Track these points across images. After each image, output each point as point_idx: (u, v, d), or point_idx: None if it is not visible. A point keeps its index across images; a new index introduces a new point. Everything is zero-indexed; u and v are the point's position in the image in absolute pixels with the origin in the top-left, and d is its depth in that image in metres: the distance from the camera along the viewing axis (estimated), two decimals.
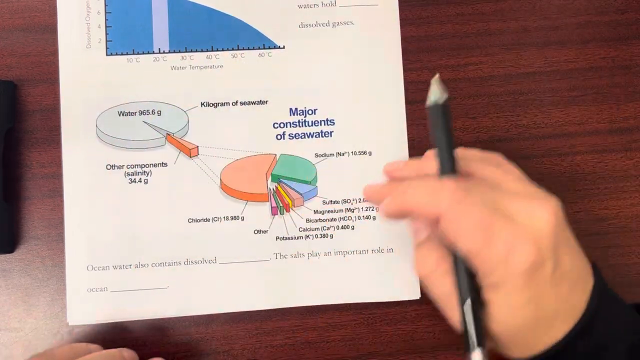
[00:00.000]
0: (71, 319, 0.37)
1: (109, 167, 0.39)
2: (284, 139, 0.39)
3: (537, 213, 0.29)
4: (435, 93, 0.30)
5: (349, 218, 0.39)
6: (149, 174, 0.39)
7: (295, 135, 0.39)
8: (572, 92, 0.41)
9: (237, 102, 0.39)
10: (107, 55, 0.39)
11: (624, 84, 0.41)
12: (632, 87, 0.41)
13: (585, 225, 0.39)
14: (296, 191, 0.39)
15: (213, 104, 0.39)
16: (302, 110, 0.40)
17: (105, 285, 0.38)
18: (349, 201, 0.39)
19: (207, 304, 0.38)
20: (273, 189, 0.39)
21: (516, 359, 0.31)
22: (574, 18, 0.41)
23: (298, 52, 0.40)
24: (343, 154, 0.39)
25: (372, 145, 0.39)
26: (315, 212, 0.39)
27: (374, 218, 0.39)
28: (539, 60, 0.41)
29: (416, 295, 0.38)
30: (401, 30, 0.40)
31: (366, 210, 0.39)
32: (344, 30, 0.40)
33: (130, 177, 0.38)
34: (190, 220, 0.38)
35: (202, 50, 0.40)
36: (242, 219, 0.39)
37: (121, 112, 0.39)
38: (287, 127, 0.39)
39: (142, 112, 0.39)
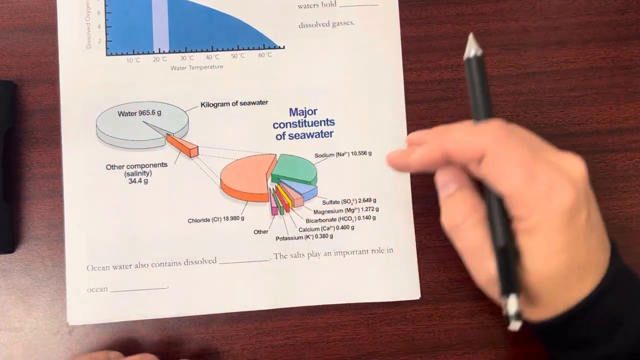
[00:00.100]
0: (71, 319, 0.37)
1: (109, 167, 0.39)
2: (284, 139, 0.39)
3: (571, 162, 0.30)
4: (473, 47, 0.32)
5: (349, 218, 0.39)
6: (149, 174, 0.39)
7: (295, 135, 0.39)
8: (572, 92, 0.41)
9: (237, 102, 0.39)
10: (107, 55, 0.39)
11: (624, 84, 0.41)
12: (632, 87, 0.41)
13: None
14: (296, 191, 0.39)
15: (213, 104, 0.39)
16: (302, 110, 0.40)
17: (105, 285, 0.38)
18: (349, 201, 0.39)
19: (207, 304, 0.38)
20: (273, 189, 0.39)
21: (542, 323, 0.31)
22: (574, 18, 0.41)
23: (298, 52, 0.40)
24: (343, 154, 0.39)
25: (372, 145, 0.39)
26: (315, 212, 0.39)
27: (374, 218, 0.39)
28: (539, 60, 0.41)
29: (416, 295, 0.38)
30: (401, 30, 0.40)
31: (366, 210, 0.39)
32: (344, 30, 0.40)
33: (130, 177, 0.38)
34: (190, 221, 0.38)
35: (202, 50, 0.40)
36: (242, 219, 0.39)
37: (121, 112, 0.39)
38: (287, 127, 0.39)
39: (142, 112, 0.39)
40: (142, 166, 0.39)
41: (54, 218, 0.38)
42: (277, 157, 0.39)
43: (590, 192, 0.31)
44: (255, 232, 0.39)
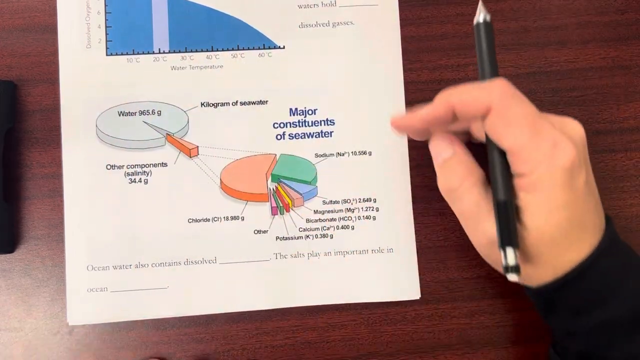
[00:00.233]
0: (71, 319, 0.37)
1: (109, 167, 0.39)
2: (284, 139, 0.39)
3: (571, 125, 0.31)
4: (482, 12, 0.33)
5: (349, 218, 0.39)
6: (149, 174, 0.39)
7: (295, 135, 0.39)
8: (572, 92, 0.41)
9: (237, 102, 0.39)
10: (107, 55, 0.39)
11: (624, 84, 0.41)
12: (632, 87, 0.41)
13: None
14: (296, 191, 0.39)
15: (213, 104, 0.39)
16: (302, 110, 0.40)
17: (105, 285, 0.38)
18: (349, 201, 0.39)
19: (207, 304, 0.38)
20: (273, 189, 0.39)
21: (542, 287, 0.32)
22: (574, 18, 0.41)
23: (298, 52, 0.40)
24: (343, 154, 0.39)
25: (372, 145, 0.39)
26: (315, 212, 0.39)
27: (374, 218, 0.39)
28: (539, 60, 0.41)
29: (416, 295, 0.38)
30: (401, 30, 0.40)
31: (366, 210, 0.39)
32: (344, 30, 0.40)
33: (130, 177, 0.38)
34: (190, 220, 0.38)
35: (202, 50, 0.40)
36: (242, 219, 0.39)
37: (121, 112, 0.39)
38: (287, 127, 0.39)
39: (142, 112, 0.39)
40: (142, 166, 0.39)
41: (54, 218, 0.38)
42: (277, 157, 0.39)
43: (587, 157, 0.32)
44: (255, 232, 0.39)
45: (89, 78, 0.39)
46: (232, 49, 0.40)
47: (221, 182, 0.39)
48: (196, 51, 0.39)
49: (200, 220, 0.38)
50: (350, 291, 0.38)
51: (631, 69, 0.41)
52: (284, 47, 0.40)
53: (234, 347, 0.38)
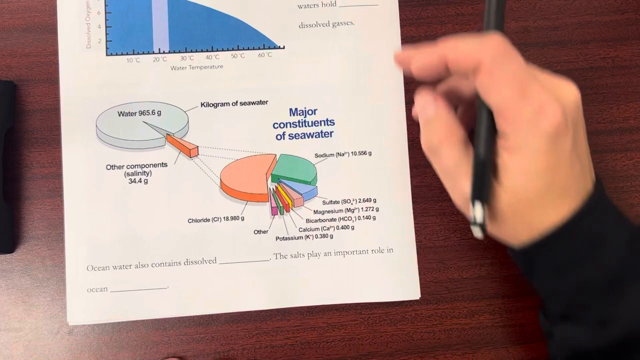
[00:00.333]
0: (71, 319, 0.37)
1: (109, 167, 0.39)
2: (284, 139, 0.39)
3: (565, 88, 0.31)
4: None
5: (349, 218, 0.39)
6: (149, 174, 0.39)
7: (295, 135, 0.39)
8: None
9: (237, 102, 0.39)
10: (107, 55, 0.39)
11: (624, 84, 0.41)
12: (632, 87, 0.41)
13: None
14: (296, 191, 0.39)
15: (213, 104, 0.39)
16: (302, 110, 0.40)
17: (105, 285, 0.38)
18: (349, 201, 0.39)
19: (207, 304, 0.38)
20: (273, 189, 0.39)
21: (521, 248, 0.32)
22: (574, 18, 0.41)
23: (298, 52, 0.40)
24: (343, 154, 0.39)
25: (372, 145, 0.39)
26: (315, 212, 0.39)
27: (374, 218, 0.39)
28: (539, 60, 0.41)
29: (416, 295, 0.38)
30: (401, 30, 0.40)
31: (366, 210, 0.39)
32: (344, 30, 0.40)
33: (130, 177, 0.38)
34: (190, 220, 0.38)
35: (202, 50, 0.40)
36: (242, 219, 0.39)
37: (121, 112, 0.39)
38: (287, 127, 0.39)
39: (142, 112, 0.39)
40: (142, 166, 0.39)
41: (54, 218, 0.38)
42: (277, 157, 0.39)
43: (581, 121, 0.31)
44: (255, 232, 0.39)
45: (89, 78, 0.39)
46: (232, 49, 0.40)
47: (221, 182, 0.39)
48: (196, 51, 0.39)
49: (200, 220, 0.38)
50: (350, 291, 0.38)
51: (631, 69, 0.41)
52: (284, 47, 0.40)
53: (234, 347, 0.38)
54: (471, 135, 0.32)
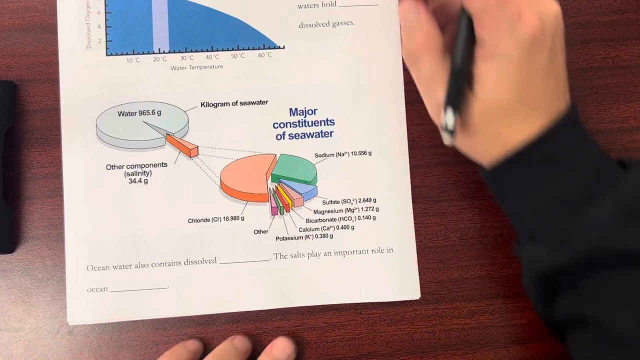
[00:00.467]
0: (71, 319, 0.37)
1: (109, 167, 0.39)
2: (284, 139, 0.39)
3: (547, 2, 0.31)
4: None
5: (349, 218, 0.39)
6: (149, 174, 0.39)
7: (295, 135, 0.39)
8: (572, 92, 0.40)
9: (237, 102, 0.39)
10: (107, 55, 0.39)
11: (624, 84, 0.41)
12: (632, 87, 0.41)
13: None
14: (296, 191, 0.39)
15: (213, 104, 0.39)
16: (302, 110, 0.40)
17: (105, 285, 0.38)
18: (349, 201, 0.39)
19: (207, 304, 0.38)
20: (273, 189, 0.39)
21: (490, 167, 0.32)
22: (574, 18, 0.41)
23: (298, 52, 0.40)
24: (343, 154, 0.39)
25: (372, 145, 0.39)
26: (315, 212, 0.39)
27: (374, 218, 0.39)
28: None
29: (416, 295, 0.38)
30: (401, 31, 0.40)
31: (366, 210, 0.39)
32: (344, 30, 0.40)
33: (130, 177, 0.38)
34: (190, 220, 0.38)
35: (202, 50, 0.40)
36: (242, 219, 0.39)
37: (121, 112, 0.39)
38: (287, 127, 0.39)
39: (142, 112, 0.39)
40: (142, 166, 0.39)
41: (54, 218, 0.38)
42: (277, 157, 0.39)
43: (560, 40, 0.32)
44: (255, 232, 0.39)
45: (89, 78, 0.39)
46: (232, 49, 0.40)
47: (221, 182, 0.39)
48: (196, 51, 0.39)
49: (200, 220, 0.38)
50: (350, 291, 0.38)
51: (631, 69, 0.41)
52: (284, 47, 0.40)
53: None
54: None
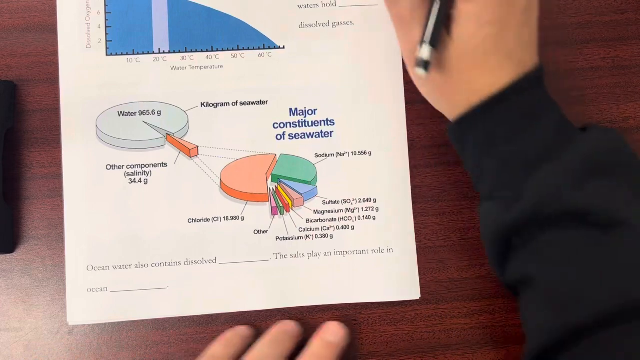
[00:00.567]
0: (71, 319, 0.37)
1: (109, 167, 0.39)
2: (284, 139, 0.39)
3: None
4: None
5: (349, 218, 0.39)
6: (149, 174, 0.39)
7: (295, 135, 0.39)
8: (572, 92, 0.41)
9: (237, 102, 0.39)
10: (107, 55, 0.39)
11: (624, 84, 0.41)
12: (632, 87, 0.41)
13: None
14: (296, 191, 0.39)
15: (213, 104, 0.39)
16: (302, 110, 0.40)
17: (105, 285, 0.38)
18: (349, 201, 0.39)
19: (207, 304, 0.38)
20: (273, 189, 0.39)
21: (455, 121, 0.33)
22: (574, 18, 0.41)
23: (298, 52, 0.40)
24: (343, 154, 0.39)
25: (372, 145, 0.39)
26: (315, 212, 0.39)
27: (374, 218, 0.39)
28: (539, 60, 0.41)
29: (416, 295, 0.38)
30: None
31: (366, 210, 0.39)
32: (344, 30, 0.40)
33: (130, 177, 0.38)
34: (190, 220, 0.38)
35: (202, 50, 0.40)
36: (242, 219, 0.39)
37: (121, 112, 0.39)
38: (287, 127, 0.39)
39: (142, 112, 0.39)
40: (142, 166, 0.39)
41: (54, 218, 0.38)
42: (277, 157, 0.39)
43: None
44: (255, 232, 0.39)
45: (89, 78, 0.39)
46: (232, 49, 0.40)
47: (221, 182, 0.39)
48: (196, 51, 0.39)
49: (200, 220, 0.38)
50: (350, 291, 0.38)
51: (631, 69, 0.41)
52: (284, 47, 0.40)
53: None
54: None
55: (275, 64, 0.40)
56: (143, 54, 0.39)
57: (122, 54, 0.39)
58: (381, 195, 0.39)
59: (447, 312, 0.39)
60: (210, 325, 0.38)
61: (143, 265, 0.38)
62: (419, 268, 0.39)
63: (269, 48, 0.40)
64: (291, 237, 0.39)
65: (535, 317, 0.33)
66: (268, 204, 0.39)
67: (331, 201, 0.39)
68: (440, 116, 0.37)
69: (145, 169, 0.39)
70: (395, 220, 0.39)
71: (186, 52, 0.39)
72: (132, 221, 0.38)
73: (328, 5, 0.40)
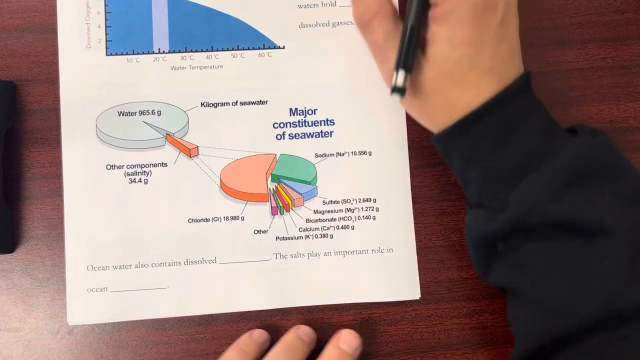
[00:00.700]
0: (71, 319, 0.37)
1: (109, 167, 0.39)
2: (284, 139, 0.39)
3: None
4: None
5: (349, 218, 0.39)
6: (149, 174, 0.39)
7: (295, 135, 0.39)
8: (572, 92, 0.41)
9: (237, 102, 0.39)
10: (107, 55, 0.39)
11: (624, 84, 0.41)
12: (632, 87, 0.41)
13: None
14: (296, 191, 0.39)
15: (213, 104, 0.39)
16: (302, 110, 0.40)
17: (105, 285, 0.38)
18: (349, 201, 0.39)
19: (207, 304, 0.38)
20: (273, 189, 0.39)
21: (439, 134, 0.33)
22: (574, 18, 0.41)
23: (298, 52, 0.40)
24: (343, 154, 0.39)
25: (372, 145, 0.39)
26: (315, 212, 0.39)
27: (374, 218, 0.39)
28: (539, 60, 0.41)
29: (416, 295, 0.38)
30: None
31: (366, 210, 0.39)
32: (344, 30, 0.40)
33: (130, 177, 0.38)
34: (190, 220, 0.38)
35: (202, 50, 0.40)
36: (242, 219, 0.39)
37: (121, 112, 0.39)
38: (287, 127, 0.39)
39: (142, 112, 0.39)
40: (142, 166, 0.39)
41: (54, 218, 0.38)
42: (277, 157, 0.39)
43: (513, 3, 0.32)
44: (255, 232, 0.39)
45: (89, 78, 0.39)
46: (232, 49, 0.40)
47: (221, 182, 0.39)
48: (196, 51, 0.39)
49: (200, 220, 0.38)
50: (350, 291, 0.38)
51: (631, 69, 0.41)
52: (284, 47, 0.40)
53: None
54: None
55: (275, 64, 0.40)
56: (143, 54, 0.39)
57: (122, 54, 0.39)
58: (381, 195, 0.39)
59: (447, 312, 0.39)
60: (210, 325, 0.38)
61: (143, 265, 0.38)
62: (419, 268, 0.39)
63: (269, 48, 0.40)
64: (291, 237, 0.39)
65: (522, 322, 0.33)
66: (268, 204, 0.39)
67: (331, 201, 0.39)
68: None
69: (145, 169, 0.39)
70: (395, 220, 0.39)
71: (186, 52, 0.39)
72: (132, 221, 0.38)
73: (328, 5, 0.40)
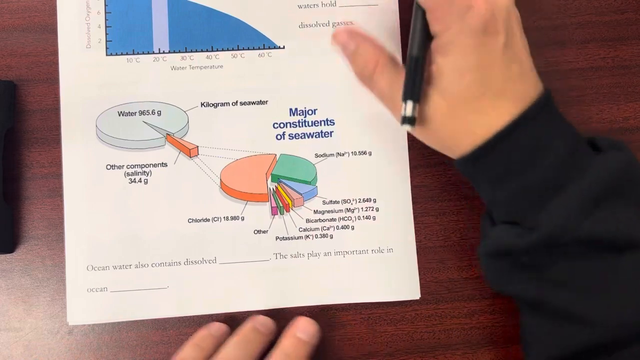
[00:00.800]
0: (71, 319, 0.37)
1: (109, 167, 0.39)
2: (284, 139, 0.39)
3: None
4: None
5: (349, 218, 0.39)
6: (149, 174, 0.39)
7: (295, 135, 0.39)
8: (572, 92, 0.41)
9: (237, 102, 0.39)
10: (107, 55, 0.39)
11: (624, 84, 0.41)
12: (632, 87, 0.41)
13: None
14: (296, 191, 0.39)
15: (213, 104, 0.39)
16: (302, 110, 0.40)
17: (105, 285, 0.38)
18: (348, 201, 0.39)
19: (207, 304, 0.38)
20: (273, 189, 0.39)
21: (462, 159, 0.33)
22: (574, 18, 0.41)
23: (298, 52, 0.40)
24: (343, 154, 0.39)
25: (372, 145, 0.39)
26: (315, 212, 0.39)
27: (374, 218, 0.39)
28: (539, 60, 0.40)
29: (416, 295, 0.38)
30: (401, 30, 0.40)
31: (366, 210, 0.39)
32: None
33: (130, 177, 0.38)
34: (190, 220, 0.38)
35: (202, 50, 0.40)
36: (242, 219, 0.39)
37: (121, 112, 0.39)
38: (287, 127, 0.39)
39: (142, 112, 0.39)
40: (142, 166, 0.39)
41: (54, 218, 0.38)
42: (277, 157, 0.39)
43: (516, 24, 0.32)
44: (255, 232, 0.39)
45: (89, 78, 0.39)
46: (232, 49, 0.40)
47: (221, 182, 0.39)
48: (196, 51, 0.39)
49: (200, 220, 0.38)
50: (350, 291, 0.38)
51: (631, 69, 0.41)
52: (284, 47, 0.40)
53: None
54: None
55: (275, 64, 0.40)
56: (143, 53, 0.39)
57: (122, 54, 0.39)
58: (381, 195, 0.39)
59: (447, 312, 0.39)
60: None
61: (143, 265, 0.38)
62: (419, 268, 0.39)
63: (269, 48, 0.40)
64: (291, 237, 0.39)
65: (542, 332, 0.33)
66: (268, 204, 0.39)
67: (331, 201, 0.39)
68: None
69: (145, 169, 0.39)
70: (395, 220, 0.39)
71: (186, 52, 0.39)
72: (132, 221, 0.38)
73: (328, 5, 0.40)
